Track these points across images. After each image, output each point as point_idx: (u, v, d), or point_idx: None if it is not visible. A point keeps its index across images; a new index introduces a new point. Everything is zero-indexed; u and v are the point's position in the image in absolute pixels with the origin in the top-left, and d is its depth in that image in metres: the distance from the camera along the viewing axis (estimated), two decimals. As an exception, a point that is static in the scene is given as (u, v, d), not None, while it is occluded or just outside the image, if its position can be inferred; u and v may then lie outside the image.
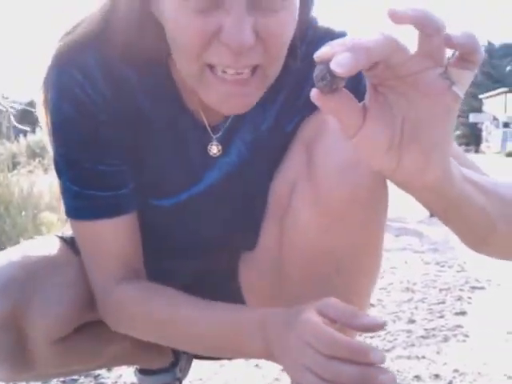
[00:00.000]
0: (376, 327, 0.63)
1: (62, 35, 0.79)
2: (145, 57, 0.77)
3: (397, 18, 0.46)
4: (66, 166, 0.81)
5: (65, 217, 0.92)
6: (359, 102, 0.52)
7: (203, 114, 0.82)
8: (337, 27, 0.85)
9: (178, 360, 1.18)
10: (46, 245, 0.91)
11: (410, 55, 0.49)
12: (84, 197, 0.81)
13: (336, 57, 0.45)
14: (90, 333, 0.93)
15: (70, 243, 0.92)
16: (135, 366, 1.19)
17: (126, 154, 0.82)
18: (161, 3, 0.69)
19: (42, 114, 0.83)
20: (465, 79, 0.50)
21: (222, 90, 0.69)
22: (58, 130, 0.80)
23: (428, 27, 0.47)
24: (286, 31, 0.69)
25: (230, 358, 1.20)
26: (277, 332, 0.70)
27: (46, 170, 4.43)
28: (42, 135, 0.85)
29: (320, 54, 0.48)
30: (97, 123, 0.78)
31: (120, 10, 0.74)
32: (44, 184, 3.66)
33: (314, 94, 0.49)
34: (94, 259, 0.85)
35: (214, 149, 0.84)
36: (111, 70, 0.78)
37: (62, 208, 0.91)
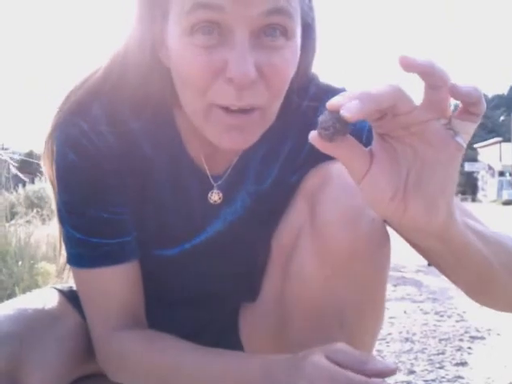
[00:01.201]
0: (388, 372, 0.63)
1: (72, 88, 0.81)
2: (151, 106, 0.79)
3: (407, 64, 0.49)
4: (69, 214, 0.81)
5: (61, 267, 0.92)
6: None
7: (205, 162, 0.84)
8: (337, 84, 0.88)
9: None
10: (43, 297, 0.91)
11: (414, 106, 0.52)
12: (87, 244, 0.81)
13: (345, 104, 0.48)
14: None
15: (67, 295, 0.92)
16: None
17: (130, 203, 0.82)
18: (168, 43, 0.72)
19: (46, 165, 0.84)
20: (467, 130, 0.53)
21: (227, 122, 0.70)
22: (63, 178, 0.81)
23: (434, 78, 0.50)
24: (288, 69, 0.71)
25: None
26: (282, 378, 0.69)
27: (43, 221, 4.42)
28: (41, 185, 0.86)
29: (332, 102, 0.50)
30: (101, 172, 0.79)
31: (130, 57, 0.76)
32: (41, 234, 3.65)
33: (314, 138, 0.52)
34: (95, 306, 0.85)
35: (215, 196, 0.85)
36: (117, 120, 0.80)
37: (60, 258, 0.91)
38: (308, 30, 0.76)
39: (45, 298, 0.90)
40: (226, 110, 0.70)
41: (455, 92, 0.51)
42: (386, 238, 0.78)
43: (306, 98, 0.85)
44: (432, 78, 0.50)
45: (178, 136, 0.83)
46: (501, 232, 0.74)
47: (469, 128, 0.53)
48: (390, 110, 0.51)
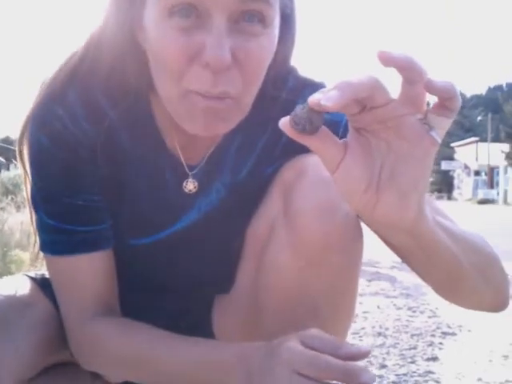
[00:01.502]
0: (361, 355, 0.64)
1: (49, 73, 0.80)
2: (127, 92, 0.78)
3: (385, 58, 0.49)
4: (43, 200, 0.80)
5: (35, 255, 0.91)
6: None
7: (180, 151, 0.83)
8: (316, 78, 0.88)
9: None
10: (14, 285, 0.89)
11: (391, 98, 0.52)
12: (61, 231, 0.80)
13: (325, 94, 0.49)
14: (60, 374, 0.91)
15: (39, 283, 0.91)
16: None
17: (105, 190, 0.82)
18: (146, 25, 0.71)
19: (20, 150, 0.82)
20: (443, 125, 0.53)
21: (201, 106, 0.70)
22: (36, 164, 0.79)
23: (411, 73, 0.50)
24: (264, 56, 0.71)
25: None
26: (258, 364, 0.69)
27: (18, 208, 4.37)
28: (16, 172, 0.85)
29: (313, 98, 0.50)
30: (76, 159, 0.78)
31: (107, 39, 0.75)
32: (15, 221, 3.61)
33: (285, 126, 0.53)
34: (69, 294, 0.84)
35: (190, 185, 0.84)
36: (92, 105, 0.79)
37: (33, 246, 0.90)
38: (287, 20, 0.76)
39: (16, 286, 0.89)
40: (202, 96, 0.69)
41: (430, 87, 0.51)
42: (360, 231, 0.79)
43: (284, 90, 0.85)
44: (409, 72, 0.50)
45: (154, 124, 0.82)
46: (471, 231, 0.75)
47: (444, 123, 0.54)
48: (368, 102, 0.52)
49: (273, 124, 0.85)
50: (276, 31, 0.72)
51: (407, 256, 0.69)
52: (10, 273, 2.67)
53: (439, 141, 0.53)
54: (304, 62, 0.90)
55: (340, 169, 0.55)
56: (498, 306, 0.80)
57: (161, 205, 0.85)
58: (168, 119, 0.79)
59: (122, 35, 0.74)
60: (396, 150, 0.54)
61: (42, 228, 0.82)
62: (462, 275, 0.71)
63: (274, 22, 0.70)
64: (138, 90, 0.79)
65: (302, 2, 0.78)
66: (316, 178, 0.77)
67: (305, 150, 0.81)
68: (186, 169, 0.84)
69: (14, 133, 0.84)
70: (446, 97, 0.52)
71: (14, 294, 0.86)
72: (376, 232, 0.66)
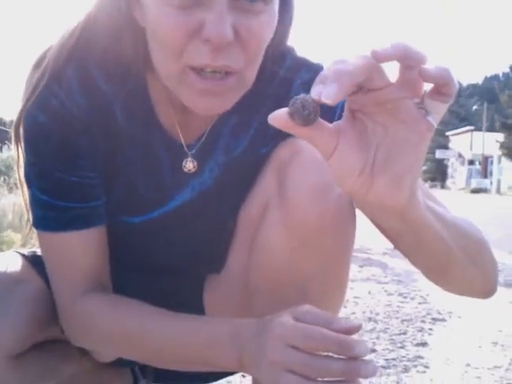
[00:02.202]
0: (353, 329, 0.64)
1: (46, 49, 0.79)
2: (123, 69, 0.78)
3: (379, 57, 0.49)
4: (36, 176, 0.80)
5: (26, 235, 0.90)
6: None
7: (179, 130, 0.83)
8: (313, 59, 0.87)
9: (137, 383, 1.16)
10: (5, 261, 0.89)
11: (389, 81, 0.52)
12: (54, 207, 0.79)
13: (324, 90, 0.48)
14: (49, 350, 0.91)
15: (30, 260, 0.91)
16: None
17: (99, 166, 0.81)
18: (143, 2, 0.70)
19: (16, 130, 0.81)
20: (439, 110, 0.54)
21: (201, 87, 0.70)
22: (31, 139, 0.79)
23: (407, 60, 0.50)
24: (265, 33, 0.71)
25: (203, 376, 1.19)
26: (250, 340, 0.70)
27: (10, 189, 4.36)
28: (9, 154, 0.84)
29: (315, 93, 0.50)
30: (70, 133, 0.78)
31: (104, 14, 0.75)
32: (8, 203, 3.60)
33: (279, 117, 0.52)
34: (60, 271, 0.84)
35: (190, 165, 0.84)
36: (88, 80, 0.78)
37: (26, 225, 0.90)
38: (286, 2, 0.76)
39: (7, 262, 0.89)
40: (200, 74, 0.69)
41: (425, 75, 0.51)
42: (353, 214, 0.79)
43: (282, 69, 0.84)
44: (406, 59, 0.50)
45: (149, 103, 0.82)
46: (462, 216, 0.75)
47: (440, 108, 0.54)
48: (366, 83, 0.51)
49: (268, 103, 0.84)
50: (276, 8, 0.72)
51: (397, 239, 0.69)
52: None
53: (435, 125, 0.53)
54: (301, 42, 0.90)
55: (334, 155, 0.55)
56: (486, 292, 0.80)
57: (154, 183, 0.85)
58: (164, 98, 0.79)
59: (118, 12, 0.74)
60: (392, 134, 0.54)
61: (35, 204, 0.81)
62: (451, 260, 0.71)
63: (273, 0, 0.70)
64: (134, 67, 0.78)
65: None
66: (310, 158, 0.77)
67: None
68: (185, 148, 0.83)
69: (7, 114, 0.83)
70: (441, 83, 0.52)
71: (4, 270, 0.86)
72: (367, 215, 0.66)
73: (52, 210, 0.80)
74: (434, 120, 0.53)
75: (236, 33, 0.67)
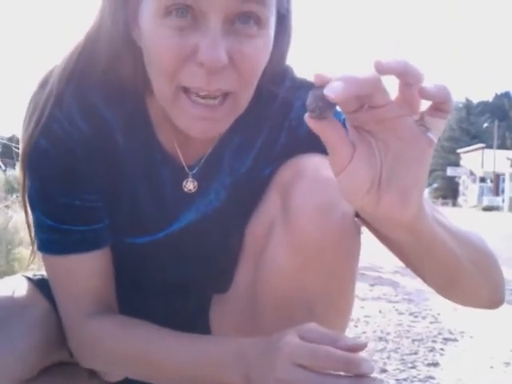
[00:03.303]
0: (359, 347, 0.65)
1: (47, 72, 0.81)
2: (122, 92, 0.79)
3: (381, 68, 0.50)
4: (40, 200, 0.81)
5: (32, 254, 0.90)
6: None
7: (180, 152, 0.83)
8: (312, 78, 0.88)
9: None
10: (12, 286, 0.89)
11: (390, 99, 0.53)
12: (58, 231, 0.80)
13: (330, 84, 0.50)
14: (56, 373, 0.91)
15: (36, 284, 0.91)
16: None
17: (102, 190, 0.82)
18: (141, 22, 0.72)
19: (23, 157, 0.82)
20: (438, 126, 0.55)
21: (193, 113, 0.71)
22: (34, 164, 0.79)
23: (408, 77, 0.51)
24: (259, 57, 0.72)
25: None
26: (257, 358, 0.70)
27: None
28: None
29: (318, 75, 0.52)
30: (73, 158, 0.79)
31: (103, 35, 0.76)
32: (20, 219, 3.62)
33: (306, 117, 0.53)
34: (66, 293, 0.84)
35: (190, 185, 0.85)
36: (88, 107, 0.79)
37: (32, 247, 0.90)
38: (283, 20, 0.77)
39: (14, 287, 0.89)
40: (192, 98, 0.70)
41: (425, 93, 0.52)
42: (357, 232, 0.80)
43: (281, 90, 0.85)
44: (405, 76, 0.51)
45: (149, 125, 0.83)
46: (469, 230, 0.76)
47: (439, 124, 0.55)
48: (367, 100, 0.53)
49: (269, 124, 0.85)
50: (271, 32, 0.73)
51: (406, 252, 0.70)
52: (13, 271, 2.67)
53: (435, 141, 0.55)
54: (300, 60, 0.90)
55: (347, 169, 0.55)
56: (494, 302, 0.81)
57: (158, 205, 0.85)
58: (164, 119, 0.80)
59: (117, 32, 0.75)
60: (394, 151, 0.55)
61: (39, 227, 0.82)
62: (460, 271, 0.72)
63: (269, 23, 0.71)
64: (134, 89, 0.79)
65: (299, 2, 0.79)
66: (313, 178, 0.78)
67: (302, 151, 0.82)
68: (186, 168, 0.84)
69: (19, 132, 0.84)
70: (439, 101, 0.53)
71: (11, 295, 0.86)
72: (374, 227, 0.67)
73: (56, 233, 0.81)
74: (434, 135, 0.55)
75: (230, 57, 0.68)
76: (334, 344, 0.64)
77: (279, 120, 0.85)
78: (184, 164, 0.84)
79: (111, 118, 0.80)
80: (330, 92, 0.49)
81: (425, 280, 0.76)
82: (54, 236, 0.81)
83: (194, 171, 0.85)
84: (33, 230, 0.86)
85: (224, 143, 0.85)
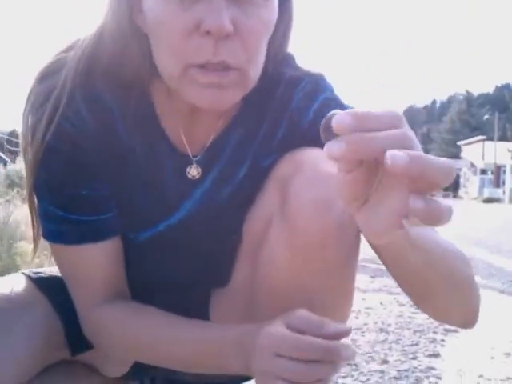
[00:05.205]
0: (343, 334, 0.66)
1: (46, 65, 0.81)
2: (126, 80, 0.79)
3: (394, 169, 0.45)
4: (48, 191, 0.81)
5: (35, 248, 0.90)
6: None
7: (184, 138, 0.83)
8: (314, 68, 0.88)
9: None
10: (11, 285, 0.89)
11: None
12: (67, 221, 0.80)
13: (331, 143, 0.47)
14: (57, 371, 0.92)
15: (36, 282, 0.91)
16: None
17: (108, 179, 0.82)
18: (144, 7, 0.72)
19: (22, 141, 0.82)
20: (417, 225, 0.49)
21: (202, 81, 0.71)
22: (41, 156, 0.79)
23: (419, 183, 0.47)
24: (264, 27, 0.72)
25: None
26: (251, 347, 0.71)
27: (23, 200, 4.38)
28: (22, 165, 0.85)
29: (336, 122, 0.47)
30: (79, 151, 0.79)
31: (108, 26, 0.76)
32: (21, 214, 3.62)
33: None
34: (75, 282, 0.85)
35: (194, 171, 0.84)
36: (93, 96, 0.79)
37: (34, 238, 0.90)
38: (285, 2, 0.77)
39: (13, 287, 0.88)
40: (204, 71, 0.70)
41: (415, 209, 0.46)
42: (356, 227, 0.79)
43: (283, 80, 0.85)
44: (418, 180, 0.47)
45: (153, 113, 0.83)
46: (451, 249, 0.76)
47: (421, 225, 0.49)
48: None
49: (271, 116, 0.85)
50: (276, 4, 0.73)
51: (378, 250, 0.72)
52: (14, 265, 2.68)
53: (406, 228, 0.50)
54: (302, 49, 0.90)
55: (347, 178, 0.52)
56: (466, 324, 0.83)
57: (160, 193, 0.85)
58: (169, 108, 0.80)
59: (121, 20, 0.75)
60: (380, 189, 0.51)
61: (46, 217, 0.82)
62: (429, 290, 0.73)
63: None
64: (139, 78, 0.79)
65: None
66: (313, 173, 0.77)
67: (302, 143, 0.82)
68: (190, 155, 0.84)
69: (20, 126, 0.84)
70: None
71: (11, 296, 0.86)
72: None
73: (64, 223, 0.81)
74: (408, 224, 0.49)
75: (235, 27, 0.68)
76: (319, 330, 0.66)
77: (280, 111, 0.85)
78: (189, 150, 0.84)
79: (115, 107, 0.81)
80: (328, 151, 0.47)
81: (397, 283, 0.77)
82: (62, 226, 0.81)
83: (197, 158, 0.85)
84: (38, 223, 0.86)
85: (228, 133, 0.85)
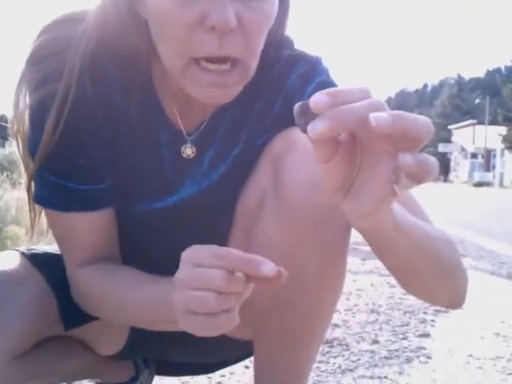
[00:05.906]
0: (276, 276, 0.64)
1: (34, 47, 0.79)
2: (127, 56, 0.79)
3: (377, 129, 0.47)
4: (46, 157, 0.79)
5: (30, 230, 0.90)
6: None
7: (179, 118, 0.83)
8: (312, 52, 0.88)
9: (139, 375, 1.17)
10: (6, 260, 0.90)
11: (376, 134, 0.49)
12: (62, 189, 0.80)
13: (313, 122, 0.48)
14: (50, 347, 0.92)
15: (30, 258, 0.91)
16: (96, 380, 1.18)
17: (104, 149, 0.82)
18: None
19: (15, 114, 0.81)
20: (409, 186, 0.51)
21: (206, 80, 0.71)
22: (39, 120, 0.78)
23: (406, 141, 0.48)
24: (266, 20, 0.72)
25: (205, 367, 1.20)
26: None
27: (13, 184, 4.37)
28: (12, 149, 0.84)
29: (313, 103, 0.49)
30: (76, 114, 0.78)
31: (107, 11, 0.76)
32: (11, 198, 3.61)
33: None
34: (65, 244, 0.86)
35: (188, 150, 0.84)
36: (92, 64, 0.78)
37: (30, 221, 0.89)
38: None
39: (6, 262, 0.89)
40: (204, 67, 0.70)
41: (405, 163, 0.48)
42: None
43: (280, 61, 0.85)
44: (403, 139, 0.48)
45: (152, 87, 0.82)
46: (437, 232, 0.75)
47: (411, 185, 0.51)
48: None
49: (266, 95, 0.85)
50: None
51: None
52: (5, 248, 2.67)
53: (398, 195, 0.52)
54: (299, 35, 0.90)
55: (328, 164, 0.54)
56: (453, 305, 0.83)
57: (156, 168, 0.85)
58: (167, 86, 0.80)
59: (121, 7, 0.74)
60: (362, 169, 0.53)
61: (42, 184, 0.81)
62: (415, 273, 0.73)
63: None
64: (139, 56, 0.79)
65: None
66: (306, 151, 0.76)
67: (295, 123, 0.82)
68: (185, 134, 0.84)
69: (9, 111, 0.83)
70: (418, 177, 0.49)
71: (5, 271, 0.86)
72: None
73: (60, 190, 0.80)
74: (400, 190, 0.51)
75: (238, 20, 0.68)
76: (251, 268, 0.63)
77: (275, 89, 0.85)
78: (183, 129, 0.84)
79: (114, 77, 0.80)
80: (310, 131, 0.48)
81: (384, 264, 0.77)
82: (57, 193, 0.81)
83: (192, 137, 0.84)
84: (35, 211, 0.87)
85: (223, 112, 0.85)
